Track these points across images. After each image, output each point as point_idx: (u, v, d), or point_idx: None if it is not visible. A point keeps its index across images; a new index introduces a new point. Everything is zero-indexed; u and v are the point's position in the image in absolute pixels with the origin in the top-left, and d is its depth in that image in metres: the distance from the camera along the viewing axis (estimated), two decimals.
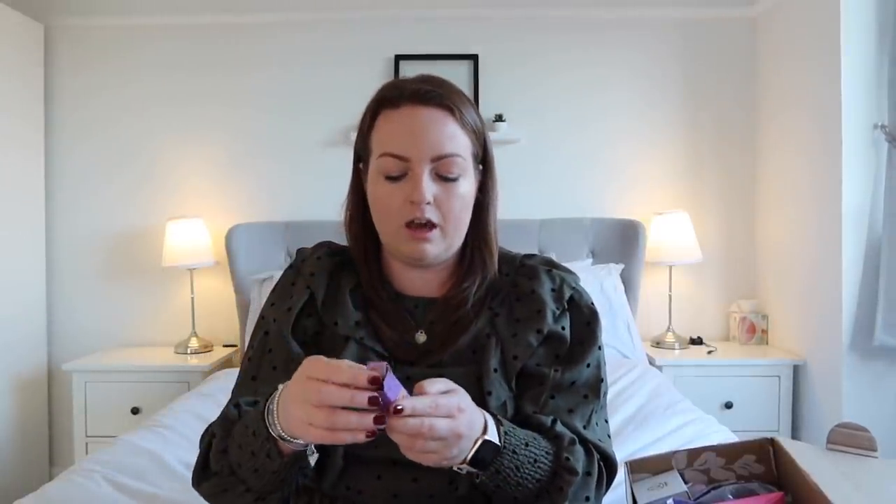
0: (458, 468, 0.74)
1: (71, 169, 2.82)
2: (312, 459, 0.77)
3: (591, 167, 2.83)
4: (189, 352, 2.63)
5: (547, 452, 0.81)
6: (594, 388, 0.89)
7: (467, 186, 0.88)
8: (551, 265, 0.95)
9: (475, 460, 0.73)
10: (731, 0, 2.76)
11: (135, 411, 2.44)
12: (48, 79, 2.79)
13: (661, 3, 2.76)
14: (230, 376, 2.19)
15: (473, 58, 2.77)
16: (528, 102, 2.81)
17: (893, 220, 2.10)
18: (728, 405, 2.46)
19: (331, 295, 0.92)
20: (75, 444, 2.48)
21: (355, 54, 2.80)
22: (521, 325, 0.89)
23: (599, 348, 0.92)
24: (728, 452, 1.01)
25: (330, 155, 2.81)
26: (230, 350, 2.71)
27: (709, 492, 0.96)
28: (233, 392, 0.92)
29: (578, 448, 0.83)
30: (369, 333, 0.89)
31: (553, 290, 0.91)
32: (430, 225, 0.85)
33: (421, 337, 0.90)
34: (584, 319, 0.92)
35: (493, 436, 0.75)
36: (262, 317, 0.95)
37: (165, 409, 1.92)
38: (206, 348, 2.68)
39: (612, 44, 2.81)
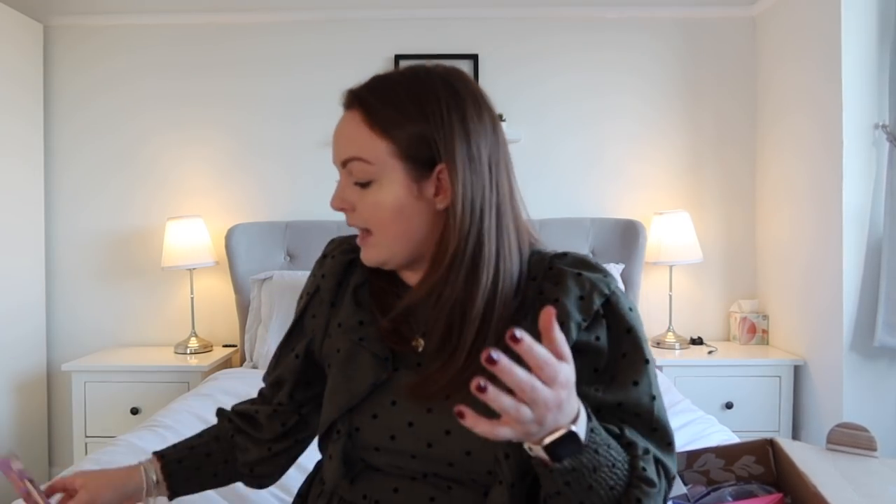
0: (530, 448, 0.67)
1: (70, 169, 2.81)
2: None
3: (591, 167, 2.82)
4: (189, 352, 2.63)
5: (624, 459, 0.73)
6: (647, 409, 0.79)
7: (386, 193, 0.81)
8: (582, 267, 0.83)
9: (550, 447, 0.65)
10: (731, 0, 2.75)
11: (134, 411, 2.44)
12: (47, 78, 2.78)
13: (661, 3, 2.75)
14: (230, 376, 2.20)
15: (473, 58, 2.77)
16: (528, 102, 2.81)
17: (894, 220, 2.09)
18: (728, 405, 2.45)
19: (340, 296, 0.92)
20: (75, 445, 2.47)
21: (355, 54, 2.80)
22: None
23: (647, 362, 0.79)
24: (727, 453, 1.01)
25: (330, 155, 2.79)
26: (230, 350, 2.71)
27: (708, 493, 0.96)
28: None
29: (651, 458, 0.75)
30: (372, 333, 0.86)
31: (581, 297, 0.80)
32: (364, 230, 0.85)
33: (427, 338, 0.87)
34: (624, 326, 0.80)
35: (581, 429, 0.66)
36: (298, 319, 0.99)
37: (165, 409, 1.91)
38: (205, 348, 2.67)
39: (613, 44, 2.81)
